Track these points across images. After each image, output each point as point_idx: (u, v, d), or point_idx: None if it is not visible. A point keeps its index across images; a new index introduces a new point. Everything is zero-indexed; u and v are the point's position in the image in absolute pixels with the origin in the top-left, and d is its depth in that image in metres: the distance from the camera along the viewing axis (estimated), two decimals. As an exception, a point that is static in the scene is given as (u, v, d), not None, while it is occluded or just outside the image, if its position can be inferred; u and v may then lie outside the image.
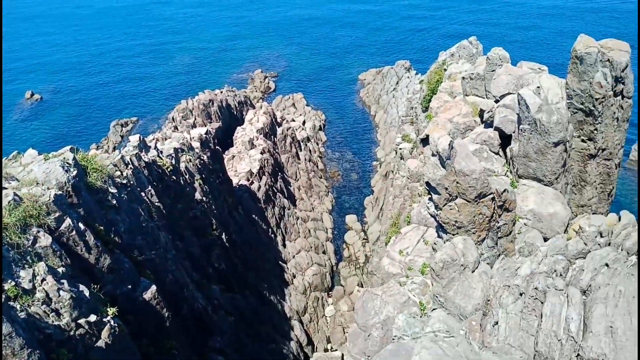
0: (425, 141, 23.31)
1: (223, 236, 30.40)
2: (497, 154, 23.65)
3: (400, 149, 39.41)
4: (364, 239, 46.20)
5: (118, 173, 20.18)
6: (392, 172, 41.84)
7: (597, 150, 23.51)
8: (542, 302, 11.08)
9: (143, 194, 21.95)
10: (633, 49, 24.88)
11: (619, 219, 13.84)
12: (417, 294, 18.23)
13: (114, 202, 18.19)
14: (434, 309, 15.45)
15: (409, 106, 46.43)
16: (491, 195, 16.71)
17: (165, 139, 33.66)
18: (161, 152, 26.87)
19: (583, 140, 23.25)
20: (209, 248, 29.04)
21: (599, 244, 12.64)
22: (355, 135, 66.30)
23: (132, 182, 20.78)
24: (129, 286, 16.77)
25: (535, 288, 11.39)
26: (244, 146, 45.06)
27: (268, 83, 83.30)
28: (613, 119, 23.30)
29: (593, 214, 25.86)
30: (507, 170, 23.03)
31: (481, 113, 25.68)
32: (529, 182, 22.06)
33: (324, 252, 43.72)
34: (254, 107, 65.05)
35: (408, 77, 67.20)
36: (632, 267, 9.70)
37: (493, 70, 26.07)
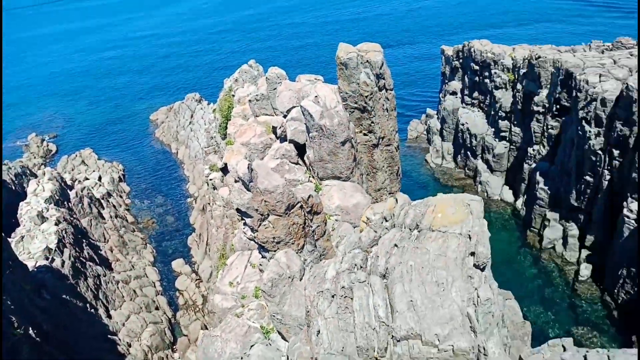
0: (225, 169, 23.31)
1: (30, 331, 25.86)
2: (297, 163, 24.90)
3: (210, 179, 38.83)
4: (196, 279, 44.27)
5: None
6: (209, 204, 40.99)
7: (378, 139, 26.50)
8: (351, 299, 11.77)
9: None
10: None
11: (396, 201, 15.53)
12: (257, 319, 18.00)
13: None
14: (252, 346, 15.38)
15: (208, 136, 46.14)
16: (299, 204, 17.42)
17: None
18: None
19: (364, 134, 25.93)
20: (17, 350, 24.39)
21: (386, 228, 13.96)
22: (161, 177, 63.38)
23: None
24: None
25: (343, 287, 12.02)
26: (32, 222, 39.16)
27: (47, 146, 74.38)
28: (383, 110, 26.53)
29: (390, 194, 29.12)
30: (310, 176, 24.40)
31: (274, 130, 26.76)
32: (330, 182, 23.69)
33: (156, 309, 40.53)
34: (35, 176, 57.16)
35: (201, 109, 66.95)
36: (416, 241, 10.95)
37: (274, 89, 27.40)
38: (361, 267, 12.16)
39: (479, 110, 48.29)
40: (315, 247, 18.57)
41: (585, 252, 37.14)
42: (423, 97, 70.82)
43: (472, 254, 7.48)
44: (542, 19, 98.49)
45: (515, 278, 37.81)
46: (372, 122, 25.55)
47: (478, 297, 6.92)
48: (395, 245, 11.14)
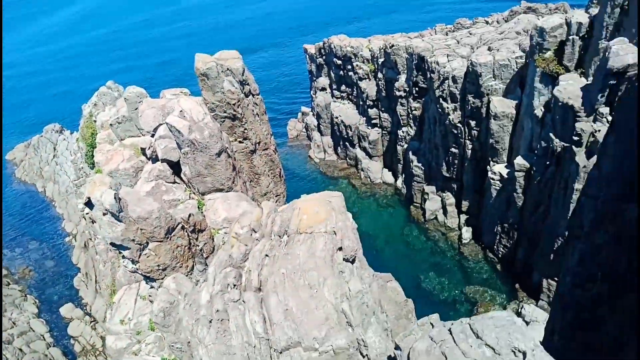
0: (90, 204, 21.62)
1: None
2: (175, 182, 23.86)
3: (86, 213, 35.84)
4: (91, 321, 40.70)
5: None
6: (90, 239, 37.90)
7: (255, 145, 26.37)
8: (228, 320, 11.46)
9: None
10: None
11: (262, 211, 15.56)
12: (156, 353, 16.94)
13: None
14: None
15: (76, 168, 42.54)
16: (180, 225, 16.67)
17: None
18: None
19: (240, 142, 25.65)
20: None
21: (257, 240, 13.85)
22: (31, 220, 57.16)
23: None
24: None
25: (217, 310, 11.66)
26: None
27: None
28: (254, 115, 26.43)
29: (276, 196, 29.17)
30: (190, 193, 23.52)
31: (143, 151, 25.35)
32: (212, 195, 23.06)
33: (49, 365, 36.55)
34: None
35: (64, 139, 61.41)
36: (286, 247, 10.99)
37: (136, 109, 25.94)
38: (234, 285, 11.89)
39: (349, 102, 50.29)
40: (206, 266, 17.93)
41: (463, 217, 40.50)
42: (297, 96, 72.13)
43: (340, 249, 7.59)
44: (392, 10, 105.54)
45: (407, 251, 40.17)
46: (245, 129, 25.34)
47: (349, 290, 7.05)
48: (266, 255, 11.05)
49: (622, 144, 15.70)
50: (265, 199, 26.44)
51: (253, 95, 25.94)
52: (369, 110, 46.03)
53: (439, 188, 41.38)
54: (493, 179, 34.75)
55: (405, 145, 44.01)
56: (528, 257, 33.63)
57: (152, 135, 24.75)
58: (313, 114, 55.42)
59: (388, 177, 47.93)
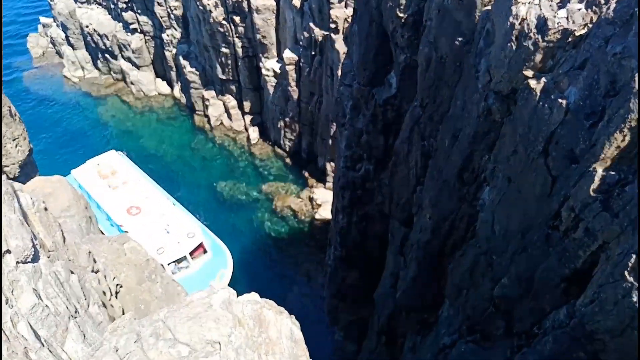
0: None
1: None
2: None
3: None
4: None
5: None
6: None
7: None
8: None
9: None
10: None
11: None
12: None
13: None
14: None
15: None
16: None
17: None
18: None
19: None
20: None
21: None
22: None
23: None
24: None
25: None
26: None
27: None
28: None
29: (13, 140, 24.05)
30: None
31: None
32: None
33: None
34: None
35: None
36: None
37: None
38: None
39: (97, 6, 43.12)
40: None
41: (248, 118, 40.13)
42: (29, 4, 59.26)
43: (8, 252, 5.65)
44: None
45: (200, 163, 38.81)
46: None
47: (19, 309, 5.29)
48: None
49: (363, 32, 16.00)
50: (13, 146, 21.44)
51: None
52: (124, 14, 40.20)
53: (219, 92, 39.75)
54: (267, 75, 34.40)
55: (174, 50, 40.35)
56: (311, 146, 35.40)
57: None
58: (57, 25, 46.41)
59: (163, 87, 44.13)
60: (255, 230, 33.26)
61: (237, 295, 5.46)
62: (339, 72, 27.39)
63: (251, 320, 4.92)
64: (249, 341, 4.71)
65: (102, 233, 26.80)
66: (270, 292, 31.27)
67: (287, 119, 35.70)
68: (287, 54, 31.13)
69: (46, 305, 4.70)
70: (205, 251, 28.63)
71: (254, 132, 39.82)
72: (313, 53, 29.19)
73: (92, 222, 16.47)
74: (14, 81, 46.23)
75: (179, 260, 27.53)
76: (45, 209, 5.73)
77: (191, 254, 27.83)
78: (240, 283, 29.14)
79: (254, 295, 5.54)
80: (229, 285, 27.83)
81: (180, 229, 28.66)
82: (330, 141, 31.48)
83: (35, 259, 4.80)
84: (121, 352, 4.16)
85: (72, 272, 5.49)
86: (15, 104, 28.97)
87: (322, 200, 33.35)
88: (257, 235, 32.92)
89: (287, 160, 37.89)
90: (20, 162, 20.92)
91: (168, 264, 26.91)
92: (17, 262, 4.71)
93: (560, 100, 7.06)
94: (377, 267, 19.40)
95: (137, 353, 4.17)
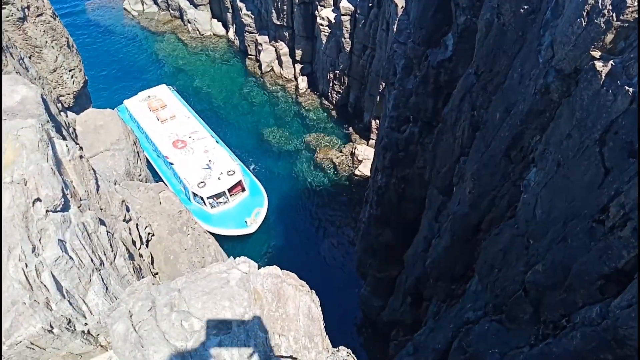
0: None
1: None
2: None
3: None
4: None
5: None
6: None
7: (23, 10, 21.12)
8: None
9: None
10: None
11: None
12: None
13: None
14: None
15: None
16: None
17: None
18: None
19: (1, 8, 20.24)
20: None
21: None
22: None
23: None
24: None
25: None
26: None
27: None
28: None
29: (70, 70, 24.79)
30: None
31: None
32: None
33: None
34: None
35: None
36: None
37: None
38: None
39: (160, -61, 42.71)
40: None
41: (298, 67, 39.64)
42: None
43: (39, 200, 5.64)
44: None
45: (247, 107, 39.03)
46: None
47: (45, 259, 5.39)
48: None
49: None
50: (57, 75, 22.15)
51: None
52: (184, -51, 39.68)
53: (272, 37, 39.23)
54: (322, 24, 33.52)
55: (231, -9, 39.81)
56: (358, 101, 34.75)
57: None
58: (119, -44, 46.52)
59: (218, 28, 43.96)
60: (293, 177, 33.58)
61: (259, 268, 5.49)
62: (395, 28, 26.31)
63: (270, 294, 4.95)
64: (265, 315, 4.75)
65: (149, 163, 27.72)
66: (300, 238, 31.72)
67: (337, 71, 35.02)
68: (344, 4, 30.08)
69: (70, 258, 4.87)
70: (243, 189, 29.41)
71: (302, 82, 39.40)
72: (370, 4, 28.06)
73: (140, 158, 16.89)
74: (75, 12, 47.19)
75: (218, 195, 28.44)
76: (81, 157, 5.84)
77: (230, 190, 28.68)
78: (273, 226, 29.86)
79: (275, 269, 5.56)
80: (262, 224, 28.71)
81: (221, 166, 29.45)
82: (378, 98, 30.75)
83: (65, 208, 4.93)
84: (135, 319, 4.29)
85: (101, 223, 5.68)
86: (74, 35, 29.78)
87: (364, 156, 33.05)
88: (295, 183, 33.27)
89: (333, 112, 37.48)
90: (75, 93, 21.57)
91: (207, 198, 27.85)
92: (47, 211, 4.86)
93: (627, 87, 6.47)
94: (411, 230, 19.27)
95: (150, 322, 4.29)
